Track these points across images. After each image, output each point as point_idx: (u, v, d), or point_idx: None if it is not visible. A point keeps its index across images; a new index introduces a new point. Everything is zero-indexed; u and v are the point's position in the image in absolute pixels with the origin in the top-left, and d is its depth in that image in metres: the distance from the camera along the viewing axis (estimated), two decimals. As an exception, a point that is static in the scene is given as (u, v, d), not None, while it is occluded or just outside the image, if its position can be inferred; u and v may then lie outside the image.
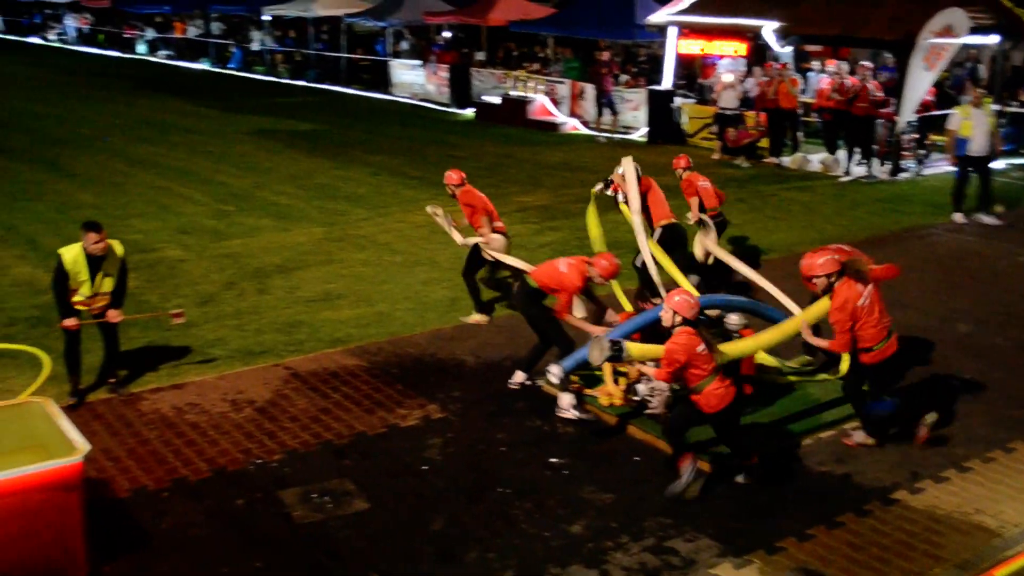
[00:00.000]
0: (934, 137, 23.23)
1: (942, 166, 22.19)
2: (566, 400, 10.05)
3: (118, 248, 10.34)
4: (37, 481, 7.23)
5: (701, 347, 8.18)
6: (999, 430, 9.73)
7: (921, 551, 7.73)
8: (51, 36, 59.43)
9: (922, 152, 22.03)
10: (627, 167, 13.18)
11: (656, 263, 12.13)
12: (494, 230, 12.98)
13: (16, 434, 8.16)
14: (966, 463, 9.11)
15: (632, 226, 12.60)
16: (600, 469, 9.12)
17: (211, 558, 7.75)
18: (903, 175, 21.19)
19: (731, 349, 8.90)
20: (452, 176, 13.46)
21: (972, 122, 17.18)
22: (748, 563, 7.61)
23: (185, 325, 12.06)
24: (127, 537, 7.99)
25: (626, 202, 12.91)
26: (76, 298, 10.25)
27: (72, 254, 10.09)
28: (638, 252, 12.62)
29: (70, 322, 10.21)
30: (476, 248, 12.75)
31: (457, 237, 13.09)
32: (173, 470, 9.04)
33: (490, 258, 12.86)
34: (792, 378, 10.76)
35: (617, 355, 8.43)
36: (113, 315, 10.39)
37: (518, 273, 12.19)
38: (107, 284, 10.27)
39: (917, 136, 21.85)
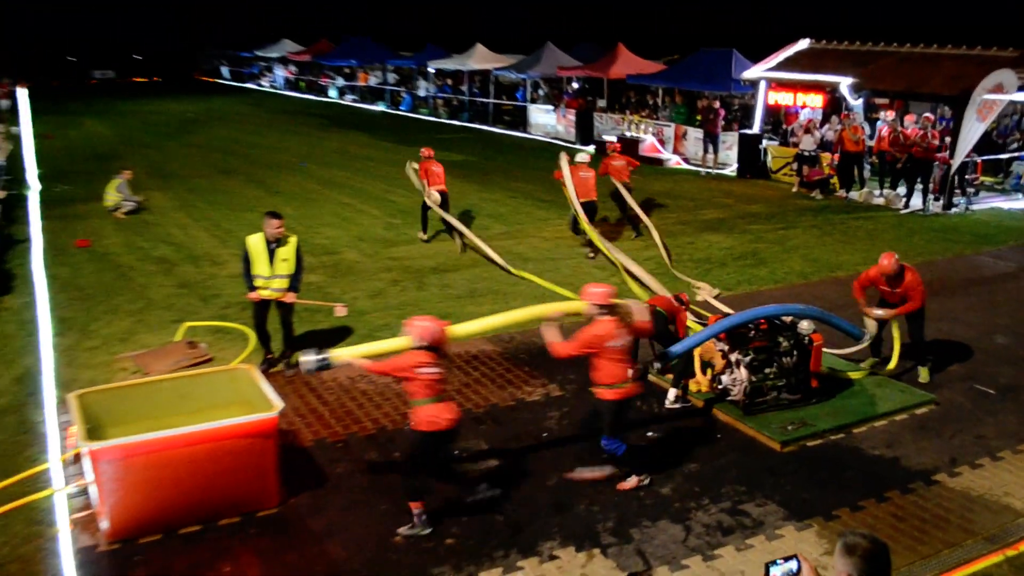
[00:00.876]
0: (983, 178, 22.46)
1: (988, 202, 21.47)
2: (672, 394, 9.94)
3: (294, 239, 10.55)
4: (244, 430, 7.55)
5: (426, 369, 7.21)
6: (1029, 427, 9.39)
7: (955, 525, 7.51)
8: (264, 83, 61.21)
9: (971, 191, 21.25)
10: (562, 162, 16.70)
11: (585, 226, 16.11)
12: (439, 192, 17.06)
13: (227, 392, 8.52)
14: (999, 453, 8.80)
15: (573, 206, 16.45)
16: (688, 443, 9.06)
17: (373, 496, 7.95)
18: (954, 209, 20.47)
19: (459, 331, 8.31)
20: (425, 151, 17.97)
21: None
22: (808, 527, 7.49)
23: (358, 312, 12.36)
24: (309, 477, 8.25)
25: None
26: (257, 279, 10.41)
27: (255, 239, 10.39)
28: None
29: (253, 295, 10.47)
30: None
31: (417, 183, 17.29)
32: (346, 427, 9.31)
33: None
34: (853, 375, 10.52)
35: (325, 365, 7.83)
36: (289, 296, 10.57)
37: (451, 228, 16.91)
38: (283, 268, 10.40)
39: (968, 177, 21.10)
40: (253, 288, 10.47)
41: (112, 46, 72.81)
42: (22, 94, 48.75)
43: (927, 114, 21.98)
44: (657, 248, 15.95)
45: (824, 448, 8.94)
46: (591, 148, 29.03)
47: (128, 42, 74.06)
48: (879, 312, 10.50)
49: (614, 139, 29.25)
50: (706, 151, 26.98)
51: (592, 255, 15.88)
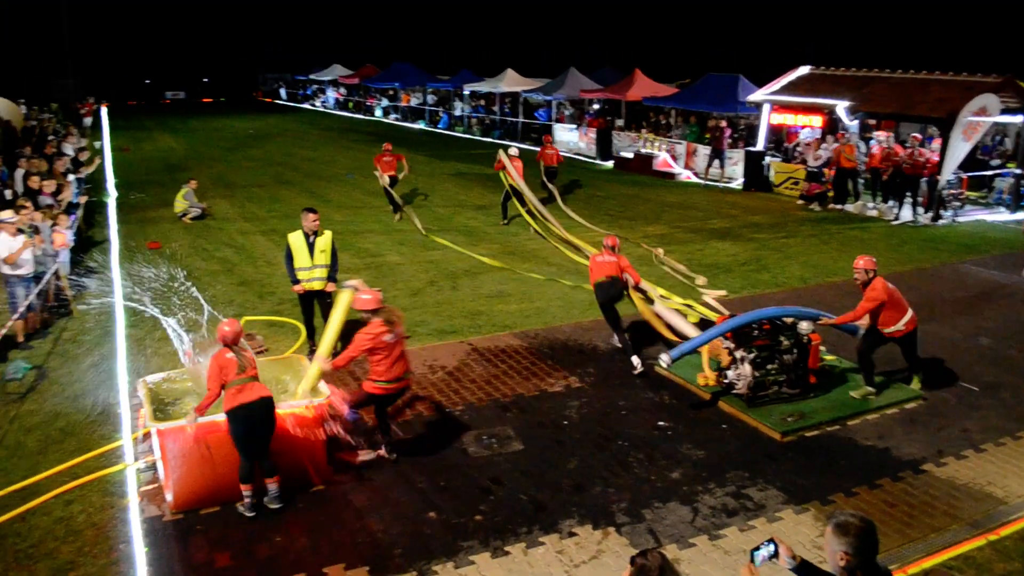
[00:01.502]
0: (968, 192, 22.13)
1: (972, 215, 21.15)
2: (636, 361, 10.43)
3: (328, 233, 10.59)
4: (296, 413, 7.59)
5: (387, 335, 7.62)
6: (1009, 422, 9.21)
7: (941, 511, 7.38)
8: (317, 103, 61.50)
9: (957, 204, 20.94)
10: (502, 155, 18.93)
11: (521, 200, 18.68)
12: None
13: (281, 379, 8.54)
14: (982, 445, 8.64)
15: (516, 184, 18.76)
16: (696, 432, 8.96)
17: (411, 476, 7.92)
18: (942, 221, 20.17)
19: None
20: (385, 145, 20.48)
21: None
22: (805, 511, 7.39)
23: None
24: (352, 456, 8.22)
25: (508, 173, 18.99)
26: (300, 272, 10.39)
27: (295, 236, 10.44)
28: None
29: (298, 287, 10.47)
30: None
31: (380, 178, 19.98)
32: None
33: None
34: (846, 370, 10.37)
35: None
36: (330, 286, 10.55)
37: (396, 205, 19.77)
38: (322, 258, 10.41)
39: (954, 192, 20.80)
40: (297, 281, 10.49)
41: (183, 69, 73.48)
42: (103, 112, 49.30)
43: (914, 134, 21.76)
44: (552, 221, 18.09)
45: (821, 438, 8.81)
46: (522, 145, 30.33)
47: (198, 65, 74.69)
48: (825, 319, 9.81)
49: (630, 155, 29.25)
50: (710, 165, 26.85)
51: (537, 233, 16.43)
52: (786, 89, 24.69)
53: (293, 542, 6.90)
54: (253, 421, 7.11)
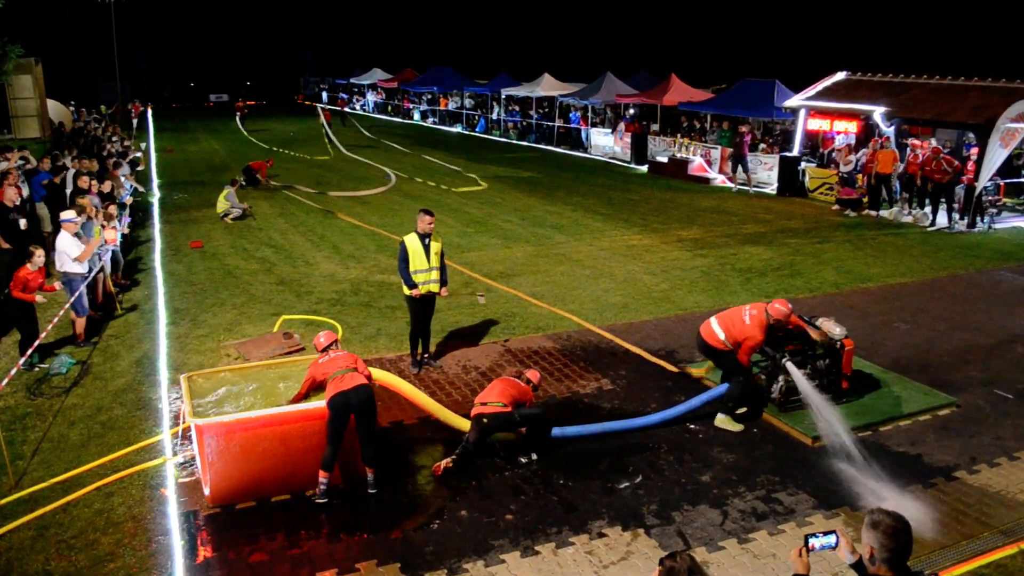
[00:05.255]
0: (1005, 199, 21.72)
1: (1009, 222, 20.75)
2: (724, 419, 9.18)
3: (439, 238, 10.33)
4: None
5: (323, 358, 7.85)
6: (1046, 430, 9.02)
7: (973, 518, 7.24)
8: (357, 107, 61.96)
9: (994, 211, 20.55)
10: (319, 109, 26.47)
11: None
12: None
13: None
14: (1015, 453, 8.48)
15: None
16: (727, 435, 8.88)
17: (443, 475, 7.94)
18: (978, 228, 19.81)
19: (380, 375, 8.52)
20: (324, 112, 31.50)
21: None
22: (836, 516, 7.29)
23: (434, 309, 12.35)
24: (387, 454, 8.25)
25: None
26: (418, 275, 10.03)
27: (411, 239, 10.12)
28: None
29: (416, 291, 10.08)
30: None
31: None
32: (418, 410, 9.28)
33: None
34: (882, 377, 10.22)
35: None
36: (443, 291, 10.33)
37: None
38: (437, 260, 10.14)
39: (991, 198, 20.41)
40: (415, 285, 10.10)
41: (227, 72, 74.47)
42: (149, 114, 50.06)
43: (934, 144, 21.43)
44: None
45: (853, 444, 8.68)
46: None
47: (241, 68, 75.65)
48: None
49: (665, 159, 29.14)
50: (734, 170, 26.65)
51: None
52: (822, 94, 24.44)
53: (326, 538, 6.95)
54: (349, 407, 7.37)
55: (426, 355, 10.73)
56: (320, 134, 37.06)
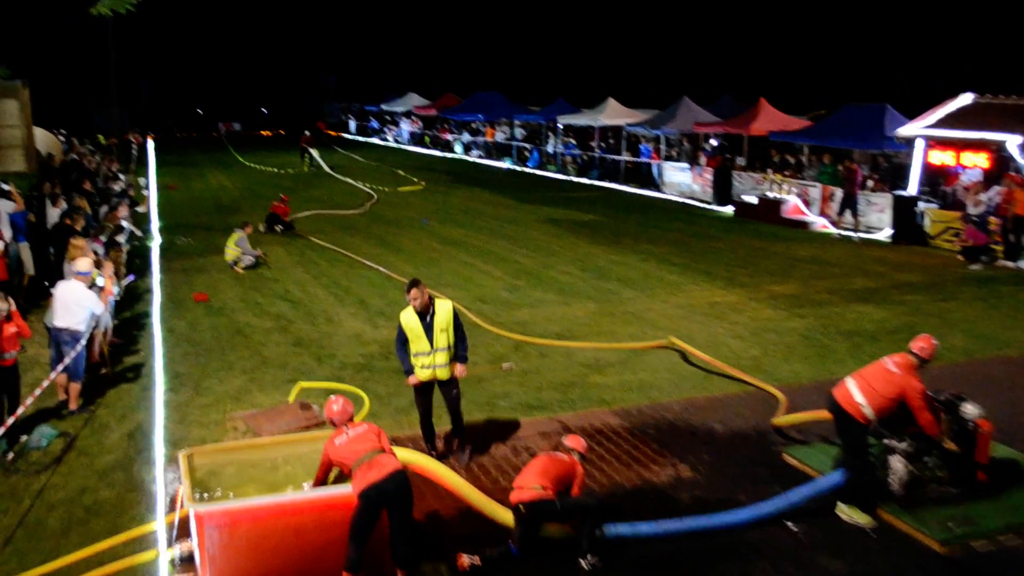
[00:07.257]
0: None
1: None
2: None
3: (448, 305, 9.88)
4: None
5: (338, 438, 7.71)
6: None
7: None
8: (388, 137, 63.00)
9: None
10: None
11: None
12: None
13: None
14: None
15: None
16: (834, 538, 8.62)
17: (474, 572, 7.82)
18: None
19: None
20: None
21: None
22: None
23: (475, 379, 12.32)
24: (422, 554, 8.15)
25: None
26: (418, 358, 9.70)
27: (408, 315, 9.73)
28: None
29: (413, 379, 9.86)
30: None
31: None
32: (458, 500, 9.17)
33: None
34: None
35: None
36: (459, 369, 9.92)
37: None
38: (443, 340, 9.72)
39: None
40: (411, 371, 9.83)
41: (239, 99, 76.50)
42: (150, 145, 51.49)
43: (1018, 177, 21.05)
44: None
45: (994, 553, 8.35)
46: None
47: (255, 95, 77.68)
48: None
49: (754, 200, 29.06)
50: (841, 213, 26.43)
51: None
52: (945, 121, 24.23)
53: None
54: (384, 500, 7.35)
55: (459, 450, 10.29)
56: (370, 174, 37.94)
